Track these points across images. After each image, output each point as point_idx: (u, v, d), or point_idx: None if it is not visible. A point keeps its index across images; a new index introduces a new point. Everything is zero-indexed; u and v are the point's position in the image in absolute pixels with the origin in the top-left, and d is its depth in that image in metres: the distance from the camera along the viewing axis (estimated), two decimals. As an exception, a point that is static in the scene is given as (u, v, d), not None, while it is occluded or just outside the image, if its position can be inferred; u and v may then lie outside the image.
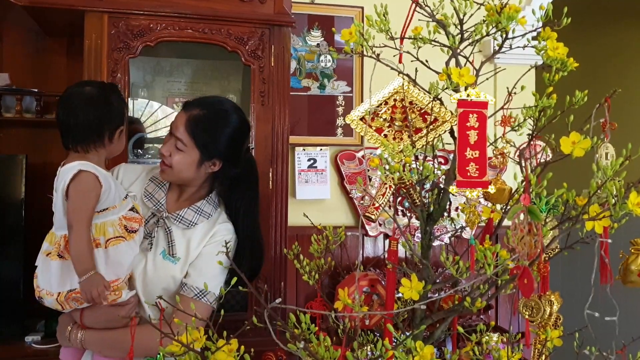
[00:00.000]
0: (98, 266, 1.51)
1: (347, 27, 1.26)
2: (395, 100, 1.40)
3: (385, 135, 1.41)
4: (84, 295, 1.47)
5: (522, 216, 0.98)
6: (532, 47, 1.28)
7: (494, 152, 1.35)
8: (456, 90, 1.22)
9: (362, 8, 3.09)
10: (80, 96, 1.57)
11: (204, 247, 1.66)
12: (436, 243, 2.72)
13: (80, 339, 1.59)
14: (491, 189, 1.26)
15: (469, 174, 1.22)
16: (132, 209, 1.63)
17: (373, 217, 1.34)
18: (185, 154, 1.63)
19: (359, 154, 3.04)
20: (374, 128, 1.42)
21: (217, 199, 1.75)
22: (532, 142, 1.34)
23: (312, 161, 2.99)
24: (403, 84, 1.35)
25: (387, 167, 1.30)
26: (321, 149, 3.01)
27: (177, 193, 1.74)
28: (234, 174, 1.73)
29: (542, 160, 1.34)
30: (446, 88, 1.26)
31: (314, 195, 2.98)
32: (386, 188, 1.36)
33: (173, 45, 2.49)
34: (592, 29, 4.39)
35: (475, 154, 1.21)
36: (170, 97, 2.70)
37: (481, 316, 2.89)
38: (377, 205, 1.31)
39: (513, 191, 1.32)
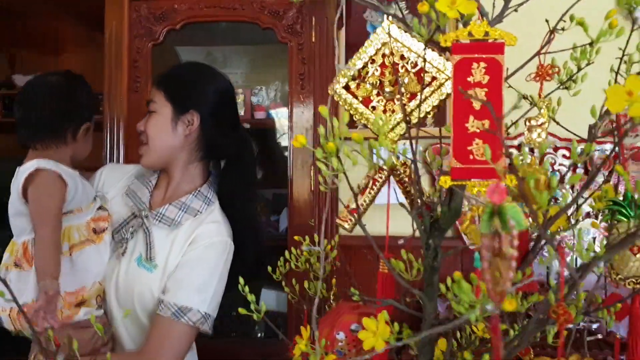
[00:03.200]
0: (62, 276, 1.27)
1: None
2: (384, 55, 0.96)
3: (374, 108, 0.98)
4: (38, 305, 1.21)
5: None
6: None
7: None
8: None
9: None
10: (39, 88, 1.39)
11: (183, 255, 1.34)
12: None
13: None
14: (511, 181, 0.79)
15: (471, 156, 0.77)
16: (100, 208, 1.42)
17: (347, 225, 0.92)
18: (157, 114, 1.39)
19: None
20: (360, 99, 1.00)
21: (211, 192, 1.43)
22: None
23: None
24: (389, 28, 0.92)
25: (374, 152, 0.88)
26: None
27: (164, 190, 1.44)
28: (225, 152, 1.44)
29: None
30: (437, 28, 0.80)
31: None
32: (370, 180, 0.94)
33: (227, 31, 2.23)
34: None
35: (483, 124, 0.76)
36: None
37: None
38: (353, 208, 0.89)
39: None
